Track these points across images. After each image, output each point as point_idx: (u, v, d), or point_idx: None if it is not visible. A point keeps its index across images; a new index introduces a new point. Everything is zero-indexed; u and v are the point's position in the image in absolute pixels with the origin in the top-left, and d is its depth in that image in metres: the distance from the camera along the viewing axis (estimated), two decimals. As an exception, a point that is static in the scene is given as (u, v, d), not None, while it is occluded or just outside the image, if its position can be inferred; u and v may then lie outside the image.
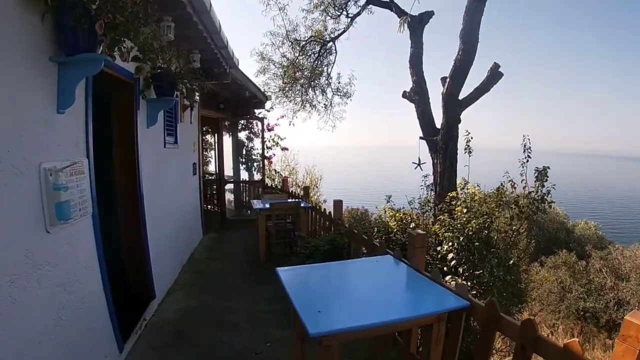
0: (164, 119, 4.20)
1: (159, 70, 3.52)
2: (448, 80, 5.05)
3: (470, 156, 4.47)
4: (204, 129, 11.05)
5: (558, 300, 8.17)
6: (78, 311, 2.23)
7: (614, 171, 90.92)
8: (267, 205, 4.67)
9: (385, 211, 6.59)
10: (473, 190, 4.20)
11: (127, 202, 3.39)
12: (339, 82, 7.41)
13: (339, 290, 2.23)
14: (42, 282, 1.85)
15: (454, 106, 5.03)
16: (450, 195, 4.16)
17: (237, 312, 3.63)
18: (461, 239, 3.68)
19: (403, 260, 2.61)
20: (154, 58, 3.21)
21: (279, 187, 7.56)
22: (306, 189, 5.68)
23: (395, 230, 4.10)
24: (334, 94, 7.40)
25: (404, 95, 5.64)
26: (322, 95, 7.61)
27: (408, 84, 5.77)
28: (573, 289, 8.27)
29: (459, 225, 3.74)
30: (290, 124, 7.94)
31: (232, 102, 8.09)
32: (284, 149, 8.99)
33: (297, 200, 4.96)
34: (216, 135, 7.82)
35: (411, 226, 4.04)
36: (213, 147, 8.94)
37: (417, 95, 5.43)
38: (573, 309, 7.91)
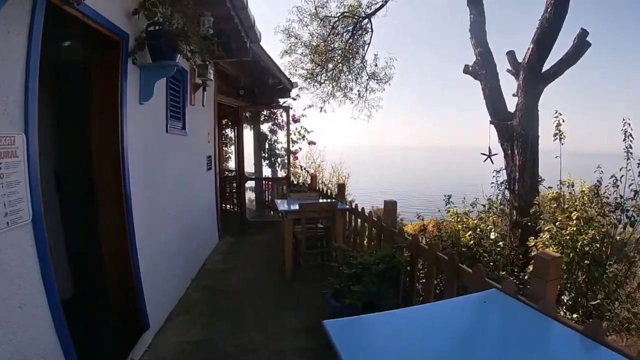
0: (166, 95, 3.33)
1: (157, 28, 2.65)
2: (531, 46, 3.93)
3: (562, 144, 3.33)
4: (224, 122, 10.33)
5: None
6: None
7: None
8: (296, 207, 3.72)
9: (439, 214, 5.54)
10: (584, 189, 3.06)
11: (108, 202, 2.51)
12: (376, 65, 6.38)
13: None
14: None
15: (536, 80, 3.92)
16: (551, 195, 3.05)
17: (256, 352, 2.69)
18: (571, 255, 2.60)
19: (524, 301, 1.58)
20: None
21: (306, 184, 6.62)
22: (341, 187, 4.70)
23: (470, 243, 3.05)
24: (369, 78, 6.39)
25: (466, 70, 4.57)
26: (356, 80, 6.62)
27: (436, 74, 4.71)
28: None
29: (567, 237, 2.65)
30: (321, 111, 6.97)
31: (254, 89, 7.22)
32: (311, 143, 8.05)
33: (332, 200, 3.99)
34: (236, 127, 6.96)
35: (491, 237, 2.99)
36: (233, 141, 8.13)
37: (484, 69, 4.34)
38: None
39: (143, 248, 2.71)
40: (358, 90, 6.46)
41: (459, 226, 3.56)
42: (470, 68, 4.52)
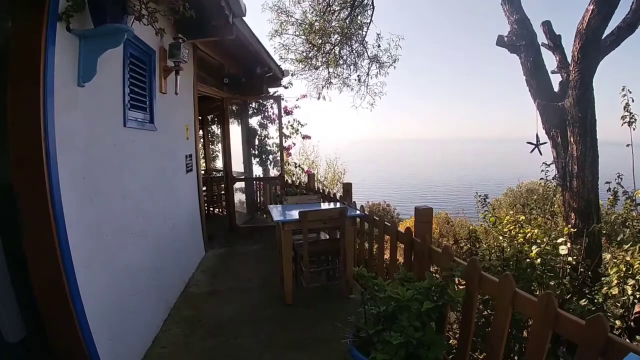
0: (123, 77, 2.56)
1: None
2: (591, 8, 3.21)
3: (633, 128, 2.66)
4: (209, 117, 9.50)
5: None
6: None
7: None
8: (295, 216, 2.98)
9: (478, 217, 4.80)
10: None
11: (32, 221, 1.76)
12: (379, 46, 5.63)
13: None
14: None
15: (596, 50, 3.22)
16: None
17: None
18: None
19: None
20: None
21: (302, 184, 5.89)
22: (348, 187, 3.95)
23: (536, 262, 2.33)
24: (371, 61, 5.64)
25: (501, 42, 3.87)
26: (355, 64, 5.87)
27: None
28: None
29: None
30: (319, 98, 6.20)
31: (240, 79, 6.43)
32: (305, 137, 7.30)
33: (340, 206, 3.24)
34: (221, 122, 6.16)
35: (562, 251, 2.28)
36: (220, 137, 7.34)
37: (522, 39, 3.64)
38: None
39: (89, 280, 1.96)
40: (358, 76, 5.73)
41: (503, 235, 2.88)
42: (505, 39, 3.81)
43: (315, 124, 8.47)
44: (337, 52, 5.49)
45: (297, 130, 7.12)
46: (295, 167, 7.55)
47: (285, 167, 6.73)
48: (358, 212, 3.23)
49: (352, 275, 3.11)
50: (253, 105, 7.04)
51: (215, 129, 9.64)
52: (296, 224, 2.94)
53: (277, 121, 6.51)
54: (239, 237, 5.78)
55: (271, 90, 6.79)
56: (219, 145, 8.41)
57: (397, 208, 25.60)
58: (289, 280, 3.16)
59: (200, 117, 10.71)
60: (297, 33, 5.84)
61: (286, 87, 6.78)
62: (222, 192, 7.32)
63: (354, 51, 5.39)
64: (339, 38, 5.49)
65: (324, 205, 3.76)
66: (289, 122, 7.03)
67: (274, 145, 7.02)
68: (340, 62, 5.59)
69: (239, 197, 8.08)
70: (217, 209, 8.00)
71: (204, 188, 7.72)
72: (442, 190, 45.53)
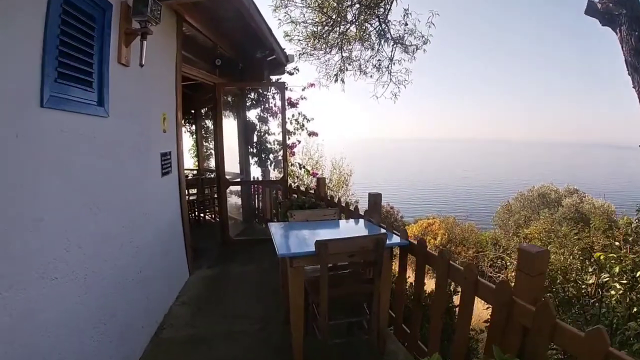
0: (44, 31, 1.62)
1: None
2: None
3: None
4: (203, 111, 8.55)
5: None
6: None
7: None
8: (309, 248, 2.02)
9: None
10: None
11: None
12: (405, 25, 4.64)
13: None
14: None
15: None
16: None
17: None
18: None
19: None
20: None
21: (309, 189, 4.95)
22: (375, 199, 2.96)
23: None
24: (395, 43, 4.68)
25: (592, 10, 2.94)
26: (373, 47, 4.92)
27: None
28: None
29: None
30: (336, 80, 5.19)
31: (237, 64, 5.49)
32: (311, 134, 6.36)
33: (379, 233, 2.23)
34: (215, 112, 5.19)
35: None
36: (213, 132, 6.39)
37: (622, 7, 2.73)
38: None
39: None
40: (379, 60, 4.78)
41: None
42: (599, 5, 2.89)
43: (320, 119, 7.52)
44: (359, 24, 4.52)
45: (303, 125, 6.18)
46: (300, 168, 6.60)
47: (289, 167, 5.80)
48: (403, 240, 2.26)
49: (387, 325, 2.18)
50: (252, 95, 6.09)
51: (210, 124, 8.73)
52: (311, 259, 1.99)
53: (280, 114, 5.57)
54: (233, 252, 4.83)
55: (273, 78, 5.85)
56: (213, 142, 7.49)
57: (401, 210, 24.81)
58: (298, 334, 2.21)
59: (193, 111, 9.86)
60: (309, 1, 4.86)
61: (291, 74, 5.83)
62: (216, 195, 6.39)
63: (376, 30, 4.44)
64: (359, 8, 4.52)
65: (345, 225, 2.81)
66: (292, 116, 6.09)
67: (276, 142, 6.09)
68: (365, 36, 4.61)
69: (235, 200, 7.15)
70: (209, 215, 7.06)
71: (194, 191, 6.79)
72: (444, 192, 44.73)
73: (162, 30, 3.25)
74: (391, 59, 4.57)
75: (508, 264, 6.77)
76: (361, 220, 2.84)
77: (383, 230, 2.46)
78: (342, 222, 2.83)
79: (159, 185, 3.12)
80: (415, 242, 2.11)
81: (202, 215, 6.83)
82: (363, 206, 3.45)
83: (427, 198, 41.73)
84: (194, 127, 10.72)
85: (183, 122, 11.27)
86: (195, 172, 10.18)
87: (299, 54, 4.94)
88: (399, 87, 4.58)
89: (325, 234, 2.56)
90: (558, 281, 6.67)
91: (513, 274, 7.00)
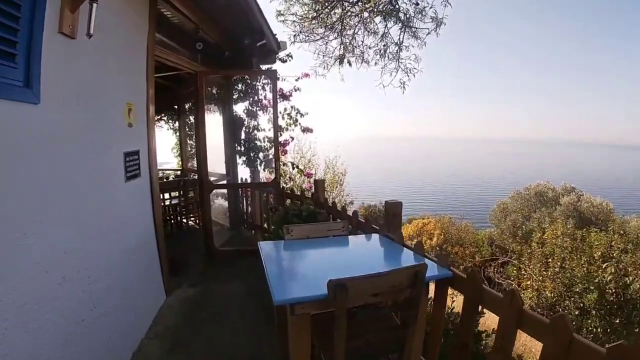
0: None
1: None
2: None
3: None
4: (187, 106, 7.94)
5: None
6: None
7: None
8: (319, 287, 1.47)
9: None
10: None
11: None
12: (416, 4, 4.05)
13: None
14: None
15: None
16: None
17: None
18: None
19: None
20: None
21: (305, 193, 4.40)
22: (394, 209, 2.41)
23: None
24: (404, 25, 4.13)
25: None
26: (379, 31, 4.38)
27: None
28: None
29: None
30: (342, 62, 4.56)
31: (223, 51, 4.90)
32: (306, 130, 5.81)
33: (416, 265, 1.67)
34: (197, 104, 4.56)
35: None
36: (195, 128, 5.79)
37: None
38: None
39: None
40: (385, 45, 4.24)
41: None
42: None
43: (312, 115, 6.94)
44: (363, 3, 3.96)
45: (296, 120, 5.62)
46: (293, 168, 6.05)
47: (280, 167, 5.23)
48: (435, 266, 1.74)
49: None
50: (239, 86, 5.51)
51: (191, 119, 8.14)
52: (321, 303, 1.45)
53: (271, 108, 5.01)
54: (218, 265, 4.27)
55: (263, 67, 5.28)
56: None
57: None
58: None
59: (176, 106, 9.21)
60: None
61: (284, 61, 5.25)
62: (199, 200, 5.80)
63: (382, 9, 3.90)
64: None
65: (356, 243, 2.27)
66: (285, 110, 5.52)
67: (266, 139, 5.53)
68: (369, 18, 4.03)
69: (220, 203, 6.57)
70: (193, 220, 6.45)
71: (176, 194, 6.19)
72: (434, 190, 44.72)
73: (130, 3, 2.68)
74: (399, 44, 4.04)
75: (523, 271, 6.34)
76: (375, 236, 2.31)
77: (408, 253, 1.93)
78: (352, 239, 2.30)
79: (123, 192, 2.54)
80: (464, 274, 1.58)
81: (184, 220, 6.23)
82: (356, 205, 2.93)
83: (418, 196, 41.62)
84: (177, 123, 10.07)
85: (165, 118, 10.64)
86: (178, 172, 9.56)
87: (293, 36, 4.38)
88: (408, 76, 4.07)
89: (336, 260, 2.02)
90: (577, 289, 6.32)
91: (529, 282, 6.69)
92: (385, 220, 2.44)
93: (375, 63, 4.28)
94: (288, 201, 4.56)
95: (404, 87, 4.16)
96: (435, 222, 18.30)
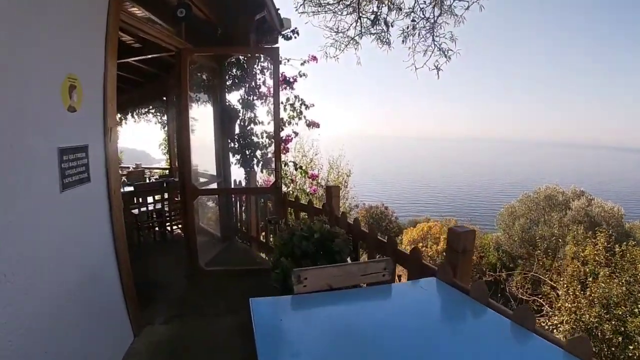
0: None
1: None
2: None
3: None
4: (175, 96, 7.12)
5: None
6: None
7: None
8: None
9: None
10: None
11: None
12: None
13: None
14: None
15: None
16: None
17: None
18: None
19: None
20: None
21: (313, 201, 3.62)
22: (464, 242, 1.66)
23: None
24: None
25: None
26: (402, 7, 3.61)
27: None
28: None
29: None
30: (364, 34, 3.74)
31: (214, 27, 4.12)
32: (311, 124, 5.03)
33: None
34: (180, 89, 3.72)
35: None
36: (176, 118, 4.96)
37: None
38: None
39: None
40: (413, 21, 3.47)
41: None
42: None
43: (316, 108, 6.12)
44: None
45: (301, 113, 4.83)
46: (296, 169, 5.26)
47: (282, 169, 4.41)
48: None
49: None
50: (234, 71, 4.71)
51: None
52: None
53: (272, 96, 4.24)
54: (203, 290, 3.48)
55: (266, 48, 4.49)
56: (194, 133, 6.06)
57: (395, 210, 23.70)
58: None
59: (164, 97, 8.38)
60: None
61: (288, 38, 4.43)
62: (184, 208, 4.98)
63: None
64: None
65: (405, 294, 1.50)
66: (287, 99, 4.74)
67: (264, 134, 4.75)
68: None
69: (210, 206, 5.78)
70: (179, 226, 5.64)
71: (158, 197, 5.38)
72: (436, 190, 44.05)
73: None
74: (435, 19, 3.25)
75: (559, 292, 5.59)
76: (433, 282, 1.54)
77: (503, 322, 1.17)
78: (398, 288, 1.52)
79: (56, 206, 1.75)
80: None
81: (168, 229, 5.43)
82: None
83: (419, 196, 41.00)
84: (165, 117, 9.24)
85: (154, 111, 9.77)
86: (167, 172, 8.73)
87: (300, 5, 3.59)
88: (447, 56, 3.29)
89: (384, 339, 1.24)
90: (621, 312, 5.62)
91: (566, 304, 5.95)
92: (448, 257, 1.67)
93: (403, 41, 3.50)
94: (291, 211, 3.80)
95: (437, 71, 3.38)
96: (440, 226, 17.62)
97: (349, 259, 2.27)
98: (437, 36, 3.30)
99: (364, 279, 1.49)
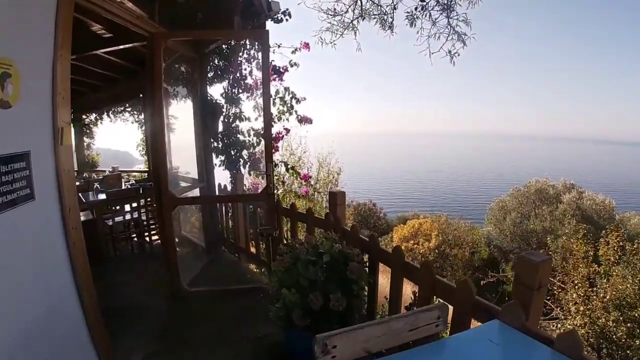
0: None
1: None
2: None
3: None
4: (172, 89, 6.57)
5: None
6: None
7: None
8: None
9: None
10: None
11: None
12: None
13: None
14: None
15: None
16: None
17: None
18: None
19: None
20: None
21: (313, 210, 3.21)
22: (539, 279, 1.31)
23: None
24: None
25: None
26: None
27: None
28: None
29: None
30: (361, 19, 3.29)
31: (194, 12, 3.65)
32: (303, 119, 4.60)
33: None
34: (152, 80, 3.22)
35: None
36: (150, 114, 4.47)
37: None
38: None
39: None
40: (421, 2, 3.10)
41: None
42: None
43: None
44: None
45: (292, 107, 4.41)
46: (287, 169, 4.83)
47: (273, 170, 3.94)
48: None
49: None
50: (216, 62, 4.25)
51: (168, 111, 6.81)
52: None
53: (259, 89, 3.80)
54: (187, 315, 3.04)
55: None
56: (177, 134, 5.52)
57: (384, 207, 23.48)
58: None
59: (141, 95, 7.76)
60: None
61: (279, 21, 3.97)
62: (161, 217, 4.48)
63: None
64: None
65: (462, 347, 1.14)
66: (277, 92, 4.30)
67: (252, 132, 4.31)
68: None
69: (191, 213, 5.30)
70: (153, 237, 5.12)
71: (135, 204, 4.86)
72: (420, 186, 44.11)
73: None
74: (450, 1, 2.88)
75: (575, 295, 5.35)
76: (495, 326, 1.17)
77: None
78: (459, 345, 1.15)
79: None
80: None
81: (147, 239, 4.91)
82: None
83: (404, 192, 41.02)
84: (142, 115, 8.63)
85: (130, 109, 9.16)
86: (144, 175, 8.19)
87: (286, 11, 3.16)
88: (464, 42, 2.93)
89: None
90: (636, 314, 5.42)
91: (581, 307, 5.73)
92: (518, 294, 1.29)
93: (410, 24, 3.11)
94: (286, 221, 3.40)
95: (452, 57, 3.02)
96: (431, 222, 17.43)
97: (366, 288, 1.88)
98: (451, 18, 2.92)
99: (412, 336, 1.11)
